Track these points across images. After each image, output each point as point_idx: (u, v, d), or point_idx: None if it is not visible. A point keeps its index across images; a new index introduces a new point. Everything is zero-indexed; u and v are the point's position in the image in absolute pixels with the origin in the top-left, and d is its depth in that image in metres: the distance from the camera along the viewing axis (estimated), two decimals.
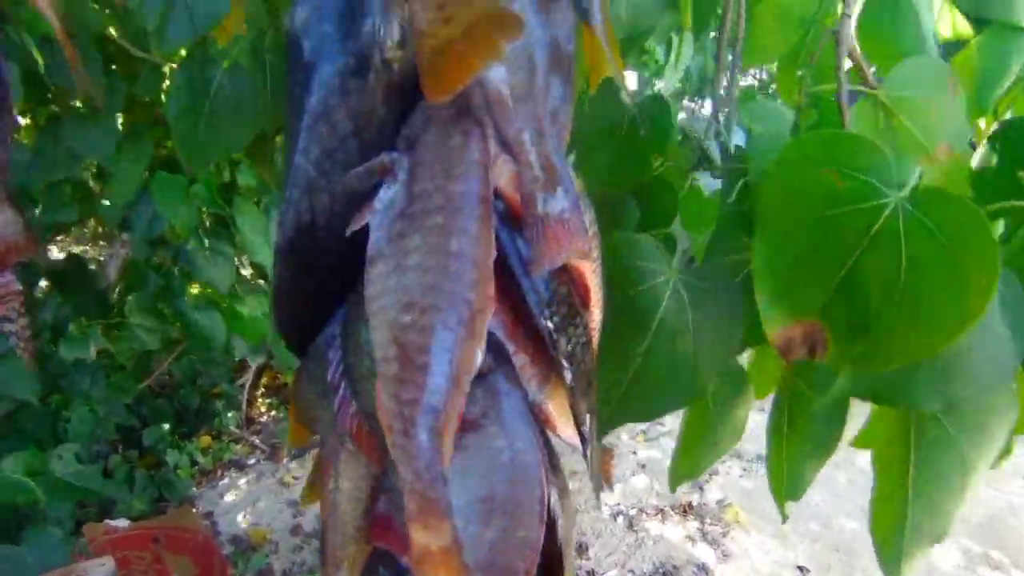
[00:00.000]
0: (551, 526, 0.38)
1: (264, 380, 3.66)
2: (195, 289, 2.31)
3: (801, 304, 0.48)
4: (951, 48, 0.75)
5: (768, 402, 0.73)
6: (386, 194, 0.34)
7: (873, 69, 0.62)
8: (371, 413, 0.37)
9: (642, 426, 3.19)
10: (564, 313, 0.38)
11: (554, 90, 0.36)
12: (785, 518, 0.71)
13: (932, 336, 0.44)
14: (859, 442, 0.66)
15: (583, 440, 0.41)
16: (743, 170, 0.68)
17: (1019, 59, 0.71)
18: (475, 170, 0.33)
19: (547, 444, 0.40)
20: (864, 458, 0.65)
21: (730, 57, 0.75)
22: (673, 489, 0.79)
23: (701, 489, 2.89)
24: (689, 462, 0.76)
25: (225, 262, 2.01)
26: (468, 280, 0.31)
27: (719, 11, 0.75)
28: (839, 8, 0.56)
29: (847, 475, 2.88)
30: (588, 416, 0.41)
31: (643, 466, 3.02)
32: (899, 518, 0.58)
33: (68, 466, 1.78)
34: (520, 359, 0.38)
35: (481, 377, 0.36)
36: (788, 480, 0.67)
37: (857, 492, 2.82)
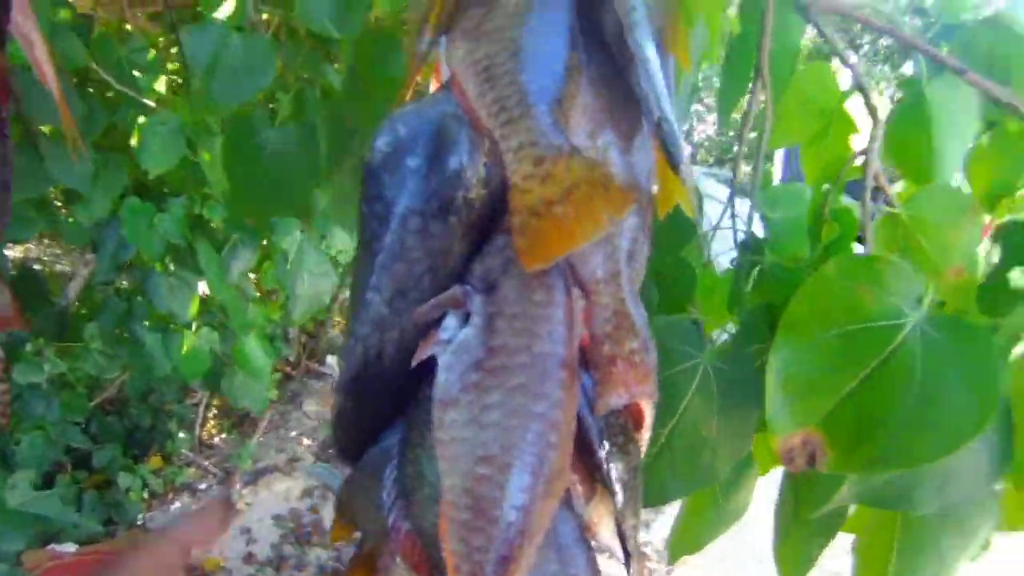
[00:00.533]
0: None
1: (216, 402, 3.59)
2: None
3: (805, 412, 0.51)
4: None
5: None
6: (456, 331, 0.34)
7: (896, 187, 0.65)
8: (425, 532, 0.38)
9: None
10: (620, 442, 0.39)
11: (631, 230, 0.37)
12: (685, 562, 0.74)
13: (943, 442, 0.47)
14: (848, 527, 0.68)
15: (627, 554, 0.43)
16: (757, 260, 0.70)
17: None
18: (560, 331, 0.33)
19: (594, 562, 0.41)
20: None
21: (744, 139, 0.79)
22: (671, 562, 0.81)
23: (648, 527, 2.92)
24: (690, 538, 0.77)
25: (189, 293, 1.99)
26: (549, 443, 0.31)
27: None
28: (870, 125, 0.59)
29: None
30: (632, 534, 0.42)
31: None
32: None
33: (24, 495, 1.72)
34: (572, 479, 0.39)
35: None
36: (796, 562, 0.69)
37: None
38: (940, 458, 0.47)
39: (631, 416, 0.39)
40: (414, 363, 0.35)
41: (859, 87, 0.62)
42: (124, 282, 2.12)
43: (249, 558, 2.54)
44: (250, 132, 0.84)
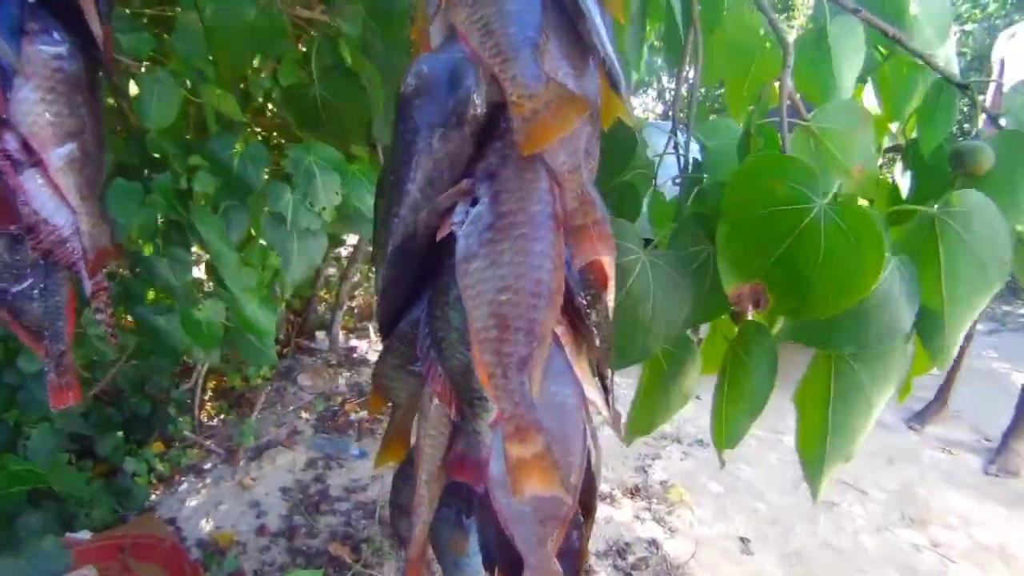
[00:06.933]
0: (587, 455, 0.51)
1: (212, 384, 3.67)
2: (151, 295, 2.32)
3: (749, 270, 0.67)
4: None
5: (704, 391, 0.88)
6: (469, 210, 0.47)
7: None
8: (452, 374, 0.50)
9: None
10: (593, 294, 0.51)
11: (586, 135, 0.49)
12: (723, 464, 0.89)
13: (838, 300, 0.63)
14: (797, 398, 0.82)
15: (606, 391, 0.54)
16: (699, 179, 0.83)
17: (922, 86, 0.91)
18: (547, 196, 0.46)
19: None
20: (790, 438, 0.81)
21: (686, 85, 0.90)
22: (627, 443, 0.94)
23: (646, 472, 3.07)
24: (644, 421, 0.91)
25: (183, 268, 2.03)
26: (548, 269, 0.44)
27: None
28: (781, 56, 0.72)
29: (776, 454, 3.10)
30: (609, 371, 0.54)
31: None
32: (820, 444, 0.77)
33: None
34: (560, 329, 0.51)
35: None
36: (727, 431, 0.83)
37: (786, 468, 3.05)
38: (842, 308, 0.63)
39: (598, 275, 0.51)
40: (438, 238, 0.47)
41: (772, 25, 0.74)
42: (126, 267, 2.16)
43: (261, 530, 2.63)
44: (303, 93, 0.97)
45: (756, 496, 2.89)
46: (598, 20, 0.50)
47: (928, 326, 0.71)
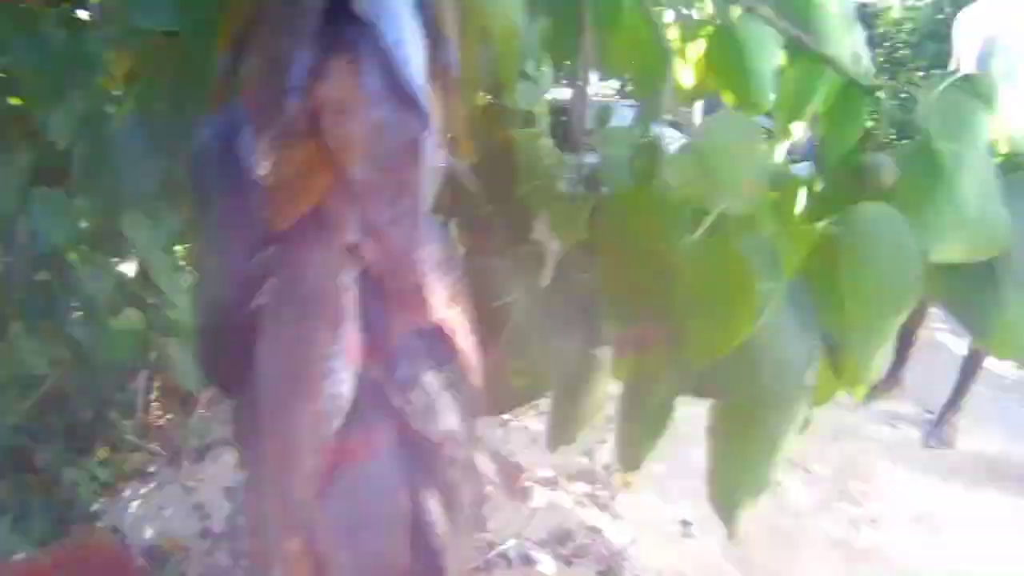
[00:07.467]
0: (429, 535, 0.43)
1: (159, 383, 3.57)
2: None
3: (629, 315, 0.64)
4: None
5: None
6: (269, 288, 0.42)
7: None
8: None
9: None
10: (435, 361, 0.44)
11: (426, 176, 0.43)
12: (629, 485, 0.84)
13: (714, 345, 0.58)
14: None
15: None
16: (590, 195, 0.80)
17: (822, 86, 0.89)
18: (324, 266, 0.41)
19: (424, 460, 0.45)
20: None
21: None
22: (552, 450, 0.90)
23: (590, 456, 3.08)
24: (562, 433, 0.87)
25: (107, 277, 1.95)
26: (310, 357, 0.40)
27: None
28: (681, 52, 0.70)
29: None
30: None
31: (535, 441, 3.09)
32: (729, 481, 0.73)
33: None
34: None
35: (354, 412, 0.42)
36: (629, 453, 0.79)
37: None
38: (720, 354, 0.58)
39: (444, 340, 0.45)
40: (241, 319, 0.43)
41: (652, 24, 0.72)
42: (43, 274, 2.08)
43: (205, 533, 2.59)
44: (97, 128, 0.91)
45: (701, 478, 2.89)
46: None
47: (836, 354, 0.66)
